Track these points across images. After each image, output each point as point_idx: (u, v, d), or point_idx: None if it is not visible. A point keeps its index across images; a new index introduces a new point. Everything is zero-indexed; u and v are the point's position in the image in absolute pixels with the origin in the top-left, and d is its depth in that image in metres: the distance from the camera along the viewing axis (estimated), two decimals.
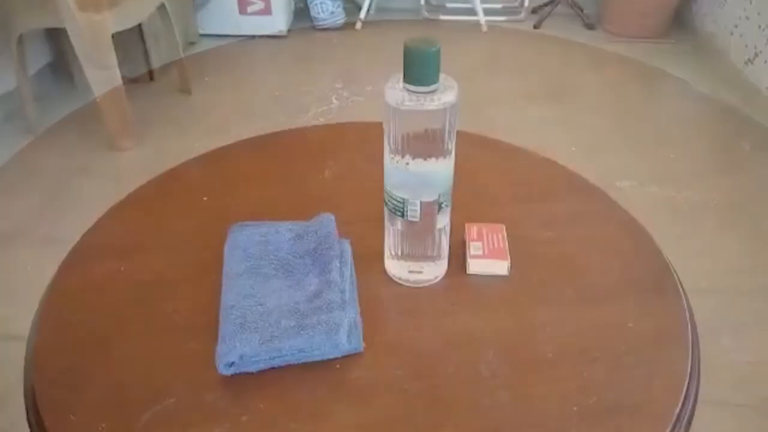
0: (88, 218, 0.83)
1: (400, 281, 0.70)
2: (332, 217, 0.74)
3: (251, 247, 0.72)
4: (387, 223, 0.68)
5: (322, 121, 2.38)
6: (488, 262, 0.71)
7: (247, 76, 2.79)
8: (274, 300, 0.65)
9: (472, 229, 0.75)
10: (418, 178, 0.63)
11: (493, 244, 0.73)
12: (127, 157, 2.23)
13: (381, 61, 2.80)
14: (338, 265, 0.68)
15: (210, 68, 2.84)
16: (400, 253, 0.69)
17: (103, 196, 0.86)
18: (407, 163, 0.62)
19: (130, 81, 2.50)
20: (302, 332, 0.60)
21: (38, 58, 2.55)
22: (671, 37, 3.04)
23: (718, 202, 1.97)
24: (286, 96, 2.61)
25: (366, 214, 0.76)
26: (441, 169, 0.63)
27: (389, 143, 0.62)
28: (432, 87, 0.59)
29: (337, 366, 0.61)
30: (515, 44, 3.08)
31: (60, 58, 2.60)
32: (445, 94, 0.59)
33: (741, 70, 2.59)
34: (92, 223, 0.82)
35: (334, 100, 2.57)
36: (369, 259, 0.73)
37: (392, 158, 0.63)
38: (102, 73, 2.13)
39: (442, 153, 0.62)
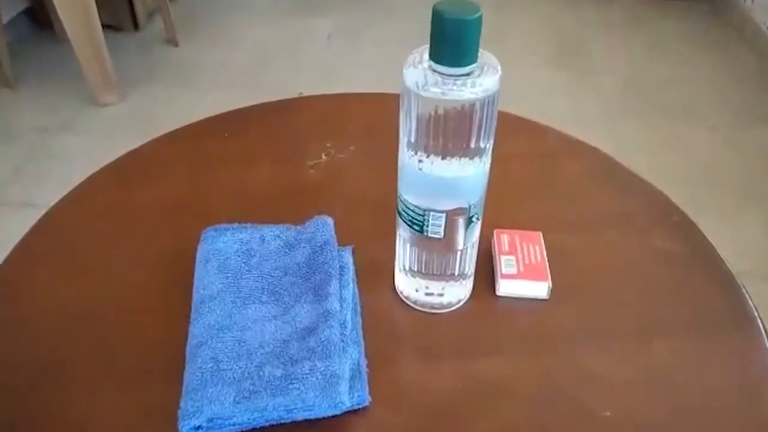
0: (67, 180, 0.71)
1: (414, 305, 0.57)
2: (330, 222, 0.60)
3: (229, 259, 0.57)
4: (399, 235, 0.54)
5: (316, 82, 2.21)
6: (524, 283, 0.57)
7: (237, 28, 2.59)
8: (256, 334, 0.51)
9: (503, 239, 0.61)
10: (444, 184, 0.48)
11: (530, 259, 0.59)
12: (109, 113, 2.09)
13: (383, 15, 2.62)
14: (338, 287, 0.54)
15: (199, 18, 2.64)
16: (415, 269, 0.55)
17: (84, 155, 0.75)
18: (432, 164, 0.47)
19: (112, 30, 2.33)
20: (291, 386, 0.47)
21: (13, 3, 2.35)
22: None
23: (734, 175, 1.83)
24: (279, 51, 2.43)
25: (373, 211, 0.62)
26: (473, 174, 0.48)
27: (407, 136, 0.48)
28: (467, 68, 0.44)
29: (336, 425, 0.48)
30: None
31: (38, 4, 2.41)
32: (483, 78, 0.44)
33: (764, 31, 2.40)
34: (72, 187, 0.69)
35: (330, 59, 2.39)
36: (375, 272, 0.59)
37: (410, 156, 0.48)
38: (81, 21, 1.95)
39: (476, 153, 0.47)
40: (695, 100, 2.18)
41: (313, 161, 0.74)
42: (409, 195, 0.50)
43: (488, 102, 0.45)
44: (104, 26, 2.01)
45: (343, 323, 0.52)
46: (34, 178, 1.82)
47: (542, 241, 0.60)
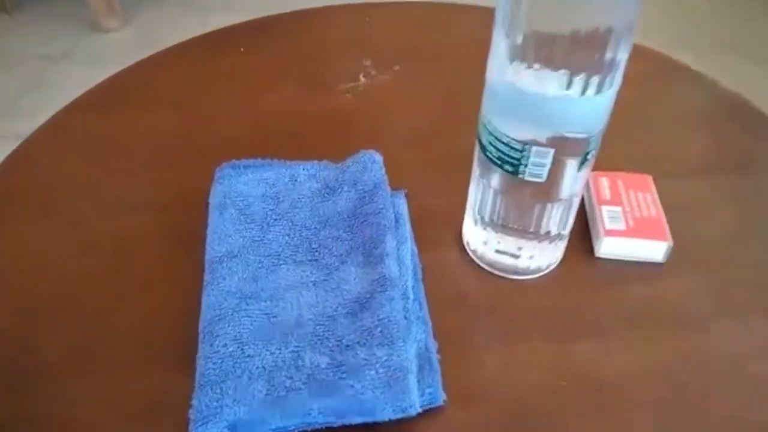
0: None
1: (491, 269, 0.44)
2: (380, 159, 0.47)
3: (252, 205, 0.44)
4: (478, 177, 0.41)
5: None
6: (635, 242, 0.44)
7: None
8: (291, 306, 0.39)
9: (602, 184, 0.47)
10: (560, 109, 0.34)
11: (640, 211, 0.45)
12: (112, 39, 1.96)
13: None
14: (394, 244, 0.41)
15: None
16: (499, 223, 0.41)
17: (86, 84, 0.63)
18: (547, 79, 0.33)
19: None
20: (342, 381, 0.34)
21: None
22: None
23: None
24: None
25: (425, 146, 0.51)
26: (602, 96, 0.34)
27: (509, 38, 0.34)
28: None
29: (398, 430, 0.36)
30: None
31: None
32: None
33: None
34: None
35: None
36: (434, 224, 0.47)
37: (512, 68, 0.34)
38: None
39: (608, 69, 0.33)
40: (739, 35, 2.00)
41: (350, 84, 0.60)
42: (504, 122, 0.36)
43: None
44: None
45: (405, 293, 0.39)
46: (32, 109, 1.71)
47: (653, 187, 0.47)
